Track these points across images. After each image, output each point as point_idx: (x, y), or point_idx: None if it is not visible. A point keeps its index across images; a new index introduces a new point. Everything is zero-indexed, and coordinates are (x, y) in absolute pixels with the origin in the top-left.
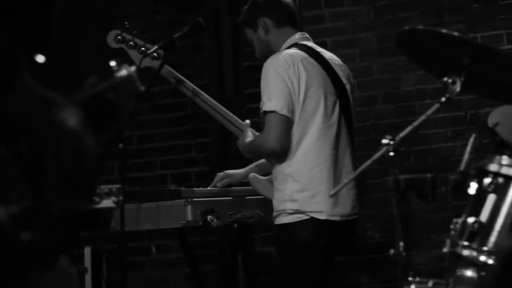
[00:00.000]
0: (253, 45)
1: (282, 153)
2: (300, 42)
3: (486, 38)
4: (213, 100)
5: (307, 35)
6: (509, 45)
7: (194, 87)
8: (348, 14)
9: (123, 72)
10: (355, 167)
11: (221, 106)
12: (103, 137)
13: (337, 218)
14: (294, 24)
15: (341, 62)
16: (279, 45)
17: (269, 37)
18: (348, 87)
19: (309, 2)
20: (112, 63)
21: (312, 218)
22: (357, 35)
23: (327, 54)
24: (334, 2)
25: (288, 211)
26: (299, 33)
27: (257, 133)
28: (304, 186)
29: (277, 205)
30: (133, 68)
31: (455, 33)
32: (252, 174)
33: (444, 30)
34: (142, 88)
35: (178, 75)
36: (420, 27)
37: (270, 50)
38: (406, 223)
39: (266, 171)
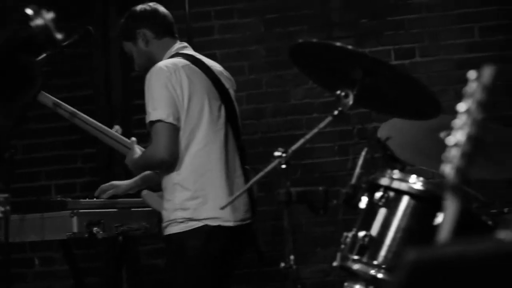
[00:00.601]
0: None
1: (172, 162)
2: (180, 52)
3: (374, 53)
4: (94, 121)
5: (187, 45)
6: (397, 61)
7: (73, 109)
8: (238, 27)
9: (39, 21)
10: (245, 171)
11: (104, 126)
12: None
13: (231, 224)
14: (173, 35)
15: (222, 69)
16: (160, 56)
17: (150, 48)
18: (231, 91)
19: (199, 14)
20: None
21: (205, 225)
22: (246, 47)
23: (208, 61)
24: (224, 14)
25: (179, 220)
26: (178, 42)
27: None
28: (195, 193)
29: (167, 215)
30: (50, 16)
31: (349, 46)
32: (145, 191)
33: (337, 43)
34: (59, 36)
35: (55, 99)
36: (314, 40)
37: (151, 62)
38: (293, 237)
39: (151, 183)
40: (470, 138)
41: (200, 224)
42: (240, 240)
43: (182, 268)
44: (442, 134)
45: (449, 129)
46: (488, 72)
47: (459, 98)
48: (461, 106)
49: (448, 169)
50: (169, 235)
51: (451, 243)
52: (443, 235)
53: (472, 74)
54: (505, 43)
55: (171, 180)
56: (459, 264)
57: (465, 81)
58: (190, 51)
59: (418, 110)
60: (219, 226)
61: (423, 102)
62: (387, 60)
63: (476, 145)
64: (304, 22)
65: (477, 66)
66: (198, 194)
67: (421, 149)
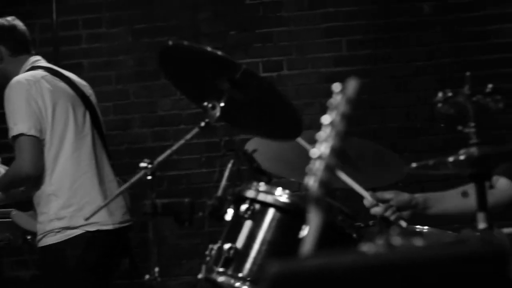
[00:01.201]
0: None
1: (38, 176)
2: (36, 65)
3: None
4: None
5: (40, 58)
6: (265, 73)
7: None
8: (106, 36)
9: None
10: (115, 175)
11: None
12: None
13: (110, 227)
14: (29, 52)
15: (79, 79)
16: (15, 73)
17: (5, 66)
18: (92, 98)
19: (66, 22)
20: None
21: (85, 231)
22: (114, 57)
23: (65, 72)
24: (92, 23)
25: (56, 230)
26: (33, 57)
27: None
28: (69, 201)
29: (42, 227)
30: None
31: (219, 52)
32: (14, 211)
33: (208, 48)
34: None
35: None
36: (185, 42)
37: (6, 79)
38: (159, 249)
39: (15, 199)
40: (333, 151)
41: (78, 231)
42: (119, 244)
43: (61, 279)
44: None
45: (315, 142)
46: (352, 85)
47: (326, 111)
48: (325, 119)
49: (311, 182)
50: (45, 246)
51: (314, 256)
52: (307, 247)
53: (336, 87)
54: (372, 57)
55: (45, 192)
56: (320, 276)
57: (331, 94)
58: (45, 63)
59: (280, 129)
60: (98, 231)
61: (286, 122)
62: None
63: (339, 157)
64: (172, 33)
65: (344, 80)
66: (72, 201)
67: (288, 162)
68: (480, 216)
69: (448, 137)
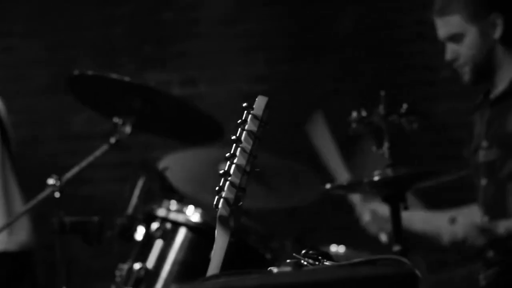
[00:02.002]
0: None
1: None
2: None
3: (158, 80)
4: None
5: None
6: (181, 88)
7: None
8: (18, 49)
9: None
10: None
11: None
12: None
13: (12, 248)
14: None
15: None
16: None
17: None
18: (2, 112)
19: None
20: None
21: None
22: (26, 70)
23: None
24: (4, 35)
25: None
26: None
27: None
28: None
29: None
30: None
31: (126, 78)
32: None
33: (114, 76)
34: None
35: None
36: (90, 72)
37: None
38: (67, 268)
39: None
40: (240, 169)
41: None
42: (22, 266)
43: None
44: (220, 166)
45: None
46: (260, 102)
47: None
48: (234, 136)
49: (218, 200)
50: None
51: (217, 277)
52: (212, 268)
53: (245, 104)
54: (290, 75)
55: None
56: None
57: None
58: None
59: (201, 136)
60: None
61: (204, 128)
62: (168, 88)
63: (248, 175)
64: (86, 47)
65: None
66: None
67: (202, 181)
68: (395, 237)
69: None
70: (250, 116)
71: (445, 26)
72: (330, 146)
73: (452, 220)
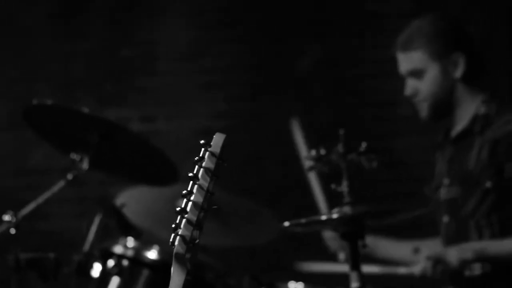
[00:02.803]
0: None
1: None
2: None
3: (118, 117)
4: None
5: None
6: (141, 125)
7: None
8: None
9: None
10: None
11: None
12: None
13: None
14: None
15: None
16: None
17: None
18: None
19: None
20: None
21: None
22: None
23: None
24: None
25: None
26: None
27: None
28: None
29: None
30: None
31: (85, 110)
32: None
33: (73, 107)
34: None
35: None
36: (48, 102)
37: None
38: None
39: None
40: (197, 206)
41: None
42: None
43: None
44: (178, 203)
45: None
46: (218, 140)
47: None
48: (190, 173)
49: (174, 238)
50: None
51: None
52: None
53: (202, 141)
54: (250, 112)
55: None
56: None
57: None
58: None
59: (156, 176)
60: None
61: (161, 168)
62: (125, 124)
63: (204, 212)
64: (46, 82)
65: None
66: None
67: (160, 218)
68: (353, 275)
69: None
70: (207, 153)
71: (407, 61)
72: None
73: (416, 250)
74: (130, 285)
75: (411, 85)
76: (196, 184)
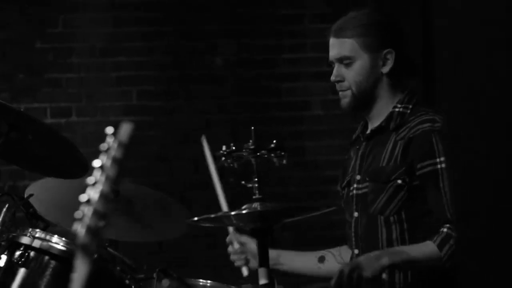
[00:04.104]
0: None
1: None
2: None
3: (30, 110)
4: None
5: None
6: (53, 119)
7: None
8: None
9: None
10: None
11: None
12: None
13: None
14: None
15: None
16: None
17: None
18: None
19: None
20: None
21: None
22: None
23: None
24: None
25: None
26: None
27: None
28: None
29: None
30: None
31: None
32: None
33: None
34: None
35: None
36: None
37: None
38: None
39: None
40: (103, 196)
41: None
42: None
43: None
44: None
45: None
46: (125, 129)
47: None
48: (96, 163)
49: (79, 228)
50: None
51: None
52: None
53: (109, 130)
54: (162, 108)
55: None
56: None
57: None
58: None
59: (66, 169)
60: None
61: (71, 161)
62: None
63: (110, 202)
64: None
65: (133, 130)
66: None
67: (69, 209)
68: (261, 271)
69: (237, 191)
70: (114, 142)
71: (339, 47)
72: (214, 174)
73: (321, 259)
74: (37, 276)
75: (338, 71)
76: (102, 173)
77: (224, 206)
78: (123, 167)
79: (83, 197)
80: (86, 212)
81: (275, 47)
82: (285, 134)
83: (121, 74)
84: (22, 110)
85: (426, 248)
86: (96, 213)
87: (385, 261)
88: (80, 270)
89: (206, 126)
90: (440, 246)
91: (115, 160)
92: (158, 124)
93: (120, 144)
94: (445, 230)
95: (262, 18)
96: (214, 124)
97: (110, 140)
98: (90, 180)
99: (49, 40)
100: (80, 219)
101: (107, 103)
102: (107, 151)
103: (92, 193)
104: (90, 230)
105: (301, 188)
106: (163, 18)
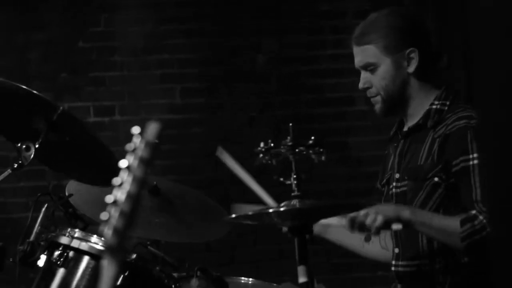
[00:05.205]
0: None
1: None
2: None
3: (74, 109)
4: None
5: None
6: (96, 118)
7: None
8: None
9: None
10: None
11: None
12: None
13: None
14: None
15: None
16: None
17: None
18: None
19: None
20: None
21: None
22: None
23: None
24: None
25: None
26: None
27: None
28: None
29: None
30: None
31: (34, 91)
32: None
33: (23, 86)
34: None
35: None
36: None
37: None
38: None
39: None
40: (130, 197)
41: None
42: None
43: None
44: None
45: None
46: (152, 129)
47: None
48: (123, 163)
49: (106, 229)
50: None
51: None
52: None
53: (135, 129)
54: (205, 106)
55: None
56: None
57: (164, 141)
58: None
59: (99, 175)
60: None
61: (105, 167)
62: (84, 117)
63: (138, 203)
64: (1, 72)
65: (177, 127)
66: None
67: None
68: (301, 269)
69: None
70: (141, 142)
71: (361, 54)
72: (246, 177)
73: (367, 238)
74: (76, 276)
75: (364, 78)
76: (130, 174)
77: (270, 201)
78: (152, 167)
79: (109, 198)
80: (112, 213)
81: (317, 44)
82: (329, 131)
83: (164, 71)
84: (64, 108)
85: (449, 221)
86: (123, 214)
87: (404, 214)
88: (107, 271)
89: (249, 124)
90: (462, 223)
91: (142, 160)
92: (201, 121)
93: (147, 144)
94: (473, 212)
95: (305, 15)
96: (257, 122)
97: (136, 140)
98: (116, 181)
99: (91, 39)
100: (107, 221)
101: (150, 101)
102: (133, 151)
103: (119, 194)
104: (117, 231)
105: (345, 185)
106: (206, 16)
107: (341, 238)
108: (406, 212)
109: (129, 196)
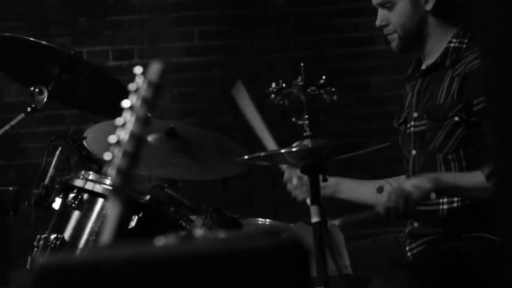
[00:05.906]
0: None
1: None
2: None
3: (93, 53)
4: None
5: None
6: (115, 61)
7: None
8: None
9: None
10: None
11: None
12: None
13: None
14: None
15: None
16: None
17: None
18: None
19: None
20: None
21: None
22: None
23: None
24: None
25: None
26: None
27: None
28: None
29: None
30: None
31: (43, 42)
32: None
33: (31, 38)
34: None
35: None
36: (6, 34)
37: None
38: None
39: None
40: (133, 137)
41: None
42: None
43: None
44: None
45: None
46: (155, 69)
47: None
48: (126, 103)
49: (110, 169)
50: None
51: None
52: (105, 237)
53: (138, 69)
54: (224, 48)
55: None
56: (91, 270)
57: (183, 84)
58: None
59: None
60: None
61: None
62: (102, 61)
63: (142, 143)
64: (19, 18)
65: (195, 70)
66: None
67: None
68: (313, 209)
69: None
70: (144, 82)
71: None
72: (255, 116)
73: (380, 189)
74: (90, 218)
75: (382, 15)
76: (133, 114)
77: (272, 144)
78: (155, 106)
79: (112, 139)
80: (116, 153)
81: None
82: (350, 71)
83: (182, 14)
84: (72, 53)
85: (474, 178)
86: (126, 154)
87: (430, 186)
88: (112, 211)
89: (269, 66)
90: (488, 177)
91: (145, 100)
92: (220, 64)
93: (150, 84)
94: None
95: None
96: (277, 63)
97: (139, 80)
98: (119, 121)
99: None
100: (110, 161)
101: (169, 44)
102: (136, 91)
103: (122, 134)
104: (121, 171)
105: (365, 125)
106: None
107: (353, 194)
108: (430, 185)
109: (132, 135)
